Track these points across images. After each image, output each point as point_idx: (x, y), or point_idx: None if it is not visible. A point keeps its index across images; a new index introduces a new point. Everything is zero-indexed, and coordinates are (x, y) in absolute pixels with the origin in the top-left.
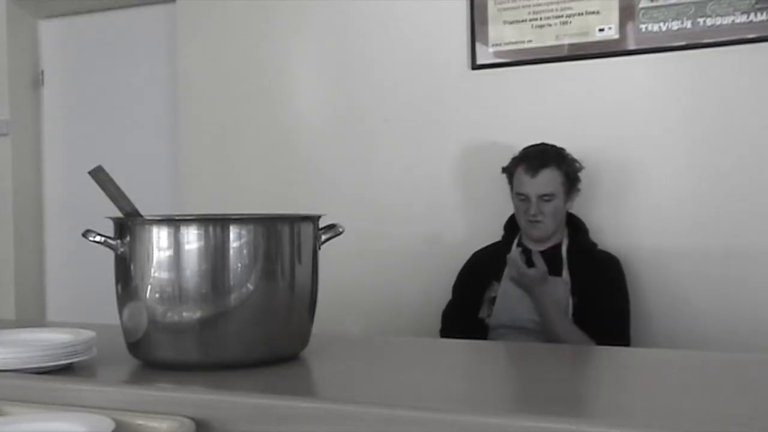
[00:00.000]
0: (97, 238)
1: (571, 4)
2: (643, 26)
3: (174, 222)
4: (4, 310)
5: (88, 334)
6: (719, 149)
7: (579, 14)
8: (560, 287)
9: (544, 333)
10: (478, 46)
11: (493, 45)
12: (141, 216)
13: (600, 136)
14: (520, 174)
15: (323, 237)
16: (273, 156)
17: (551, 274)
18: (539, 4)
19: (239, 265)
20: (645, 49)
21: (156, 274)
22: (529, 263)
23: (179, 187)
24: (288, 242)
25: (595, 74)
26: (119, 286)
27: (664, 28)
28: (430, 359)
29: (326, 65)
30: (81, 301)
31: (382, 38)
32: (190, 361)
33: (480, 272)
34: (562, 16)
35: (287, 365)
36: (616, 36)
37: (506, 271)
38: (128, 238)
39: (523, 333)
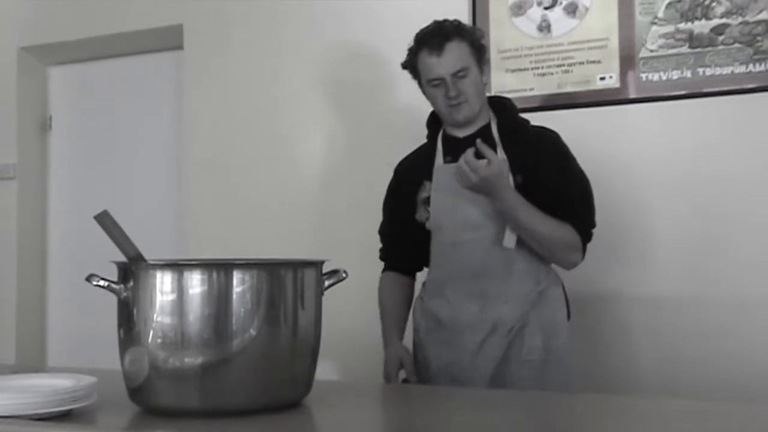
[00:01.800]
0: (101, 283)
1: (573, 54)
2: (643, 75)
3: (177, 267)
4: (5, 353)
5: (88, 379)
6: (719, 197)
7: (580, 63)
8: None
9: (516, 230)
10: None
11: (495, 92)
12: (145, 261)
13: (601, 183)
14: (425, 58)
15: (326, 282)
16: (277, 200)
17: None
18: (541, 54)
19: (242, 310)
20: (646, 98)
21: (159, 319)
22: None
23: (184, 231)
24: (291, 288)
25: (597, 122)
26: (121, 331)
27: (664, 78)
28: (435, 407)
29: (330, 110)
30: (82, 346)
31: (387, 86)
32: (192, 408)
33: (407, 179)
34: (563, 65)
35: (289, 413)
36: (617, 85)
37: (437, 177)
38: (132, 283)
39: (467, 230)
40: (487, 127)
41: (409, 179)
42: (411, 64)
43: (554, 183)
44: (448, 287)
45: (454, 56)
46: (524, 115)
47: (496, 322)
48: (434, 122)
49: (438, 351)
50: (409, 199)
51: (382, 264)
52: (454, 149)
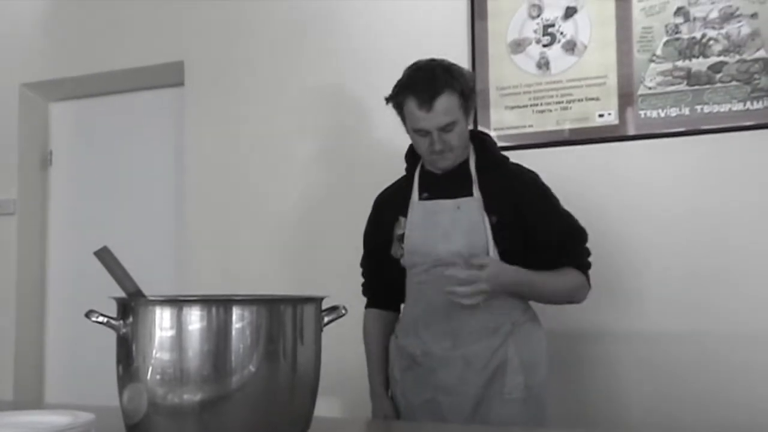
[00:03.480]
0: (100, 319)
1: (572, 91)
2: (642, 112)
3: (177, 303)
4: (3, 389)
5: (87, 416)
6: (717, 233)
7: (579, 100)
8: (472, 209)
9: (531, 299)
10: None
11: (494, 129)
12: (144, 296)
13: (599, 218)
14: (412, 108)
15: (326, 319)
16: (277, 236)
17: (462, 194)
18: (540, 91)
19: (241, 346)
20: (644, 135)
21: (158, 355)
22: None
23: (184, 267)
24: (291, 324)
25: (595, 159)
26: (120, 367)
27: (662, 115)
28: None
29: (329, 144)
30: (81, 382)
31: (384, 121)
32: None
33: (384, 213)
34: (562, 102)
35: None
36: (616, 122)
37: (412, 214)
38: (131, 319)
39: (439, 268)
40: (465, 163)
41: (386, 214)
42: (397, 105)
43: (541, 226)
44: (420, 324)
45: (442, 111)
46: (520, 152)
47: (469, 358)
48: (413, 156)
49: (415, 389)
50: (386, 234)
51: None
52: (431, 186)
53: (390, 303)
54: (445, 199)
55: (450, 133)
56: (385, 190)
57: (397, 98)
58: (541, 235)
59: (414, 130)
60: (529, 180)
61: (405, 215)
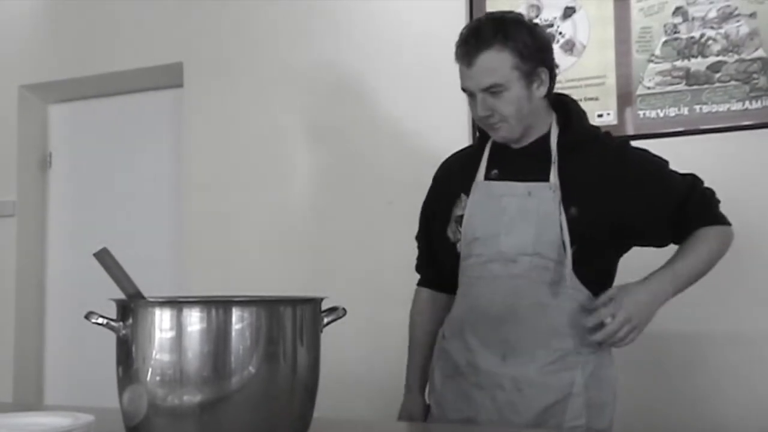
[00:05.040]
0: (100, 320)
1: (570, 91)
2: (641, 112)
3: (176, 304)
4: (2, 391)
5: (86, 417)
6: None
7: (578, 100)
8: (546, 198)
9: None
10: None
11: None
12: (144, 298)
13: None
14: (458, 64)
15: (325, 320)
16: (276, 238)
17: (538, 178)
18: None
19: (241, 347)
20: (643, 135)
21: (157, 357)
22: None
23: (183, 268)
24: (290, 325)
25: None
26: (120, 369)
27: (661, 115)
28: None
29: (329, 145)
30: (80, 384)
31: (387, 123)
32: None
33: (444, 187)
34: None
35: None
36: (615, 122)
37: (476, 193)
38: (130, 320)
39: (498, 263)
40: (546, 138)
41: (446, 188)
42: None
43: (654, 208)
44: (467, 328)
45: (485, 70)
46: None
47: (521, 382)
48: None
49: (455, 403)
50: (444, 212)
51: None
52: (503, 163)
53: (445, 285)
54: (516, 181)
55: (498, 97)
56: (451, 157)
57: (455, 54)
58: (658, 213)
59: (463, 91)
60: (630, 156)
61: (467, 193)
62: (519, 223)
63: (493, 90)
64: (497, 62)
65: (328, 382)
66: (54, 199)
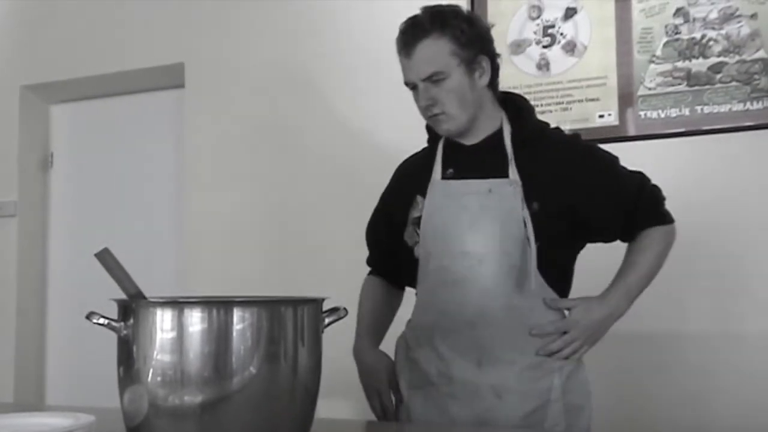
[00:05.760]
0: (101, 321)
1: (572, 92)
2: (642, 113)
3: (177, 304)
4: (3, 392)
5: (87, 418)
6: (717, 234)
7: (579, 101)
8: (507, 194)
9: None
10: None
11: None
12: (145, 298)
13: None
14: (399, 57)
15: (326, 320)
16: (277, 238)
17: (496, 174)
18: (540, 92)
19: (242, 348)
20: (644, 136)
21: (158, 357)
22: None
23: (185, 268)
24: (291, 325)
25: None
26: (121, 369)
27: (662, 115)
28: None
29: (330, 146)
30: (81, 384)
31: (388, 124)
32: None
33: (402, 187)
34: (562, 103)
35: None
36: (616, 122)
37: (433, 194)
38: (132, 321)
39: (464, 264)
40: (498, 134)
41: (400, 192)
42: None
43: (607, 204)
44: (438, 336)
45: (425, 58)
46: None
47: (500, 389)
48: None
49: (427, 413)
50: (399, 216)
51: None
52: (458, 161)
53: (399, 279)
54: (475, 178)
55: (439, 86)
56: (408, 159)
57: (396, 49)
58: (611, 209)
59: (405, 85)
60: (581, 150)
61: (423, 194)
62: (482, 220)
63: (435, 78)
64: (435, 49)
65: (330, 383)
66: (55, 199)
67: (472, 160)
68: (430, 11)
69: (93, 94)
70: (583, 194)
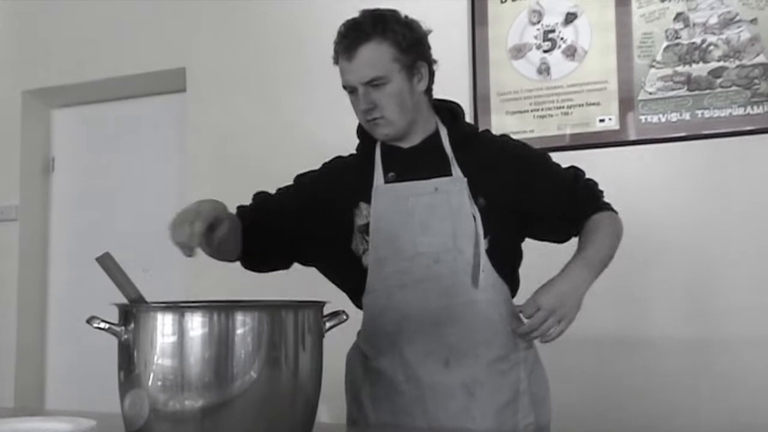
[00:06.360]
0: (102, 325)
1: (572, 96)
2: (642, 117)
3: (178, 309)
4: (4, 396)
5: (88, 422)
6: (718, 238)
7: (580, 105)
8: (454, 191)
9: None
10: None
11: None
12: (146, 302)
13: None
14: (339, 61)
15: (327, 324)
16: None
17: (439, 174)
18: (541, 96)
19: (243, 352)
20: (645, 140)
21: (159, 361)
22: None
23: (185, 273)
24: (292, 329)
25: (596, 163)
26: (121, 374)
27: (663, 120)
28: None
29: (331, 150)
30: (82, 389)
31: None
32: None
33: (341, 196)
34: (563, 107)
35: None
36: (617, 127)
37: (378, 200)
38: (132, 325)
39: (420, 265)
40: (435, 137)
41: (339, 199)
42: (336, 62)
43: (550, 193)
44: (402, 341)
45: (366, 61)
46: None
47: (471, 385)
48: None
49: (395, 420)
50: (342, 225)
51: None
52: (399, 164)
53: (250, 248)
54: (418, 179)
55: (380, 90)
56: (340, 159)
57: (335, 51)
58: (551, 200)
59: (344, 88)
60: (513, 147)
61: (367, 201)
62: (433, 220)
63: (375, 83)
64: (378, 54)
65: (330, 388)
66: (56, 204)
67: (412, 162)
68: (371, 15)
69: (94, 99)
70: (523, 186)
